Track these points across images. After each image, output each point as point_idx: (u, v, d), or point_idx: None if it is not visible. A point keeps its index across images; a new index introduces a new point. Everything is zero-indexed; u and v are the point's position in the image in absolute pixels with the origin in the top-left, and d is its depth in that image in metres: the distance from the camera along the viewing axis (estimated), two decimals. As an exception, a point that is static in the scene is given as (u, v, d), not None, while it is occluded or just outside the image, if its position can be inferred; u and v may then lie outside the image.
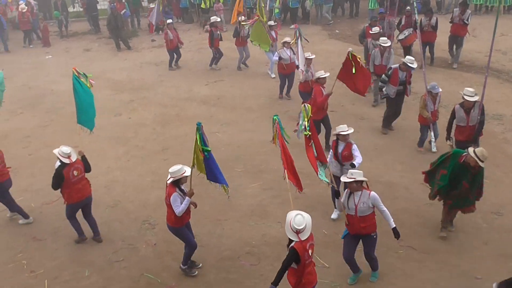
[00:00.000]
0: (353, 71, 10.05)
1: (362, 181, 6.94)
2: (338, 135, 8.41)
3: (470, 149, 7.45)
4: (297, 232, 5.88)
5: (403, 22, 15.70)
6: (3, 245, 8.45)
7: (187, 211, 7.40)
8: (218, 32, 16.52)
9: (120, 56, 19.20)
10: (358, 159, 8.32)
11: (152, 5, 21.99)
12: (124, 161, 11.08)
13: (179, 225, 7.38)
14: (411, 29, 14.99)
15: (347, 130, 8.32)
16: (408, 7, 15.62)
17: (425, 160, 10.41)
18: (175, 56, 17.19)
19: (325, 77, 10.76)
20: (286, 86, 14.01)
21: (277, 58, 13.56)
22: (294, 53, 13.23)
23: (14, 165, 10.18)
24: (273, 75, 15.58)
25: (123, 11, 20.98)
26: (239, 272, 7.69)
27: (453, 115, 9.33)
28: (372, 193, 6.98)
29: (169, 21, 17.04)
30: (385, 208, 7.00)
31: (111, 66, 17.93)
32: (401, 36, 15.19)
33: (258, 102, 13.84)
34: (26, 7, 20.72)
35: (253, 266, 7.78)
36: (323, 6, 22.24)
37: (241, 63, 16.82)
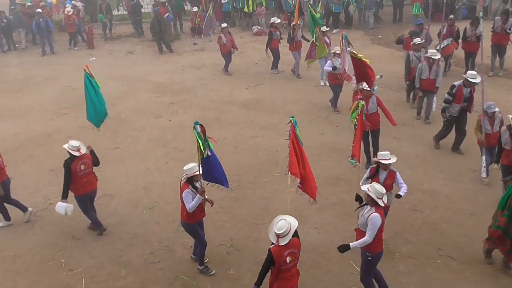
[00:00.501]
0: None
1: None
2: (378, 163, 7.72)
3: None
4: (278, 236, 5.89)
5: (444, 31, 14.75)
6: (43, 243, 8.65)
7: (201, 209, 7.48)
8: (278, 32, 16.29)
9: (162, 59, 19.51)
10: (403, 189, 7.67)
11: (195, 9, 22.32)
12: (163, 163, 11.23)
13: (191, 222, 7.48)
14: (451, 38, 14.54)
15: (389, 159, 7.60)
16: (451, 16, 15.16)
17: (467, 169, 10.21)
18: (225, 61, 17.11)
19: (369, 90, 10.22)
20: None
21: (330, 68, 12.89)
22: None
23: (56, 165, 10.49)
24: (322, 83, 15.14)
25: (166, 15, 21.31)
26: (274, 277, 7.68)
27: (499, 137, 8.89)
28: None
29: (224, 25, 17.03)
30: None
31: (153, 68, 18.24)
32: (441, 46, 14.41)
33: (297, 107, 13.80)
34: (72, 10, 21.31)
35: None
36: (367, 11, 22.04)
37: (291, 69, 16.63)
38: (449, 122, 10.84)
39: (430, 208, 9.05)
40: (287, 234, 5.90)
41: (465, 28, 14.81)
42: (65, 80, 17.24)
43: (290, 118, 7.16)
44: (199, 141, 7.04)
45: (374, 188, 6.51)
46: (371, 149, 10.35)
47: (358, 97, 9.74)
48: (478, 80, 10.31)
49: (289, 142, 7.05)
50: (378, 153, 7.82)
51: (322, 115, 13.02)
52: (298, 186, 7.26)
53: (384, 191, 6.57)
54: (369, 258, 6.65)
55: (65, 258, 8.24)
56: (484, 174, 9.70)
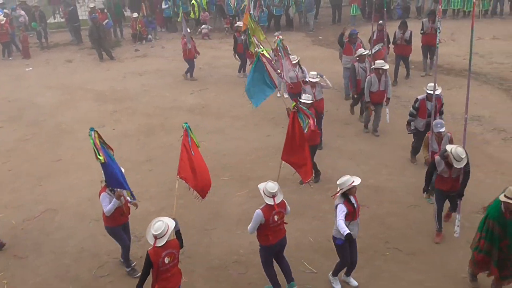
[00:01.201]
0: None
1: None
2: (346, 189, 6.87)
3: (501, 197, 6.39)
4: (155, 237, 6.05)
5: (375, 37, 14.59)
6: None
7: (121, 212, 7.52)
8: (242, 37, 16.13)
9: (103, 66, 19.12)
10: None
11: (135, 15, 21.94)
12: (109, 172, 10.98)
13: (111, 225, 7.58)
14: (381, 44, 14.27)
15: (354, 181, 6.90)
16: (381, 21, 14.72)
17: (412, 164, 10.55)
18: (189, 66, 16.91)
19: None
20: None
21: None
22: (302, 71, 12.22)
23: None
24: (285, 95, 13.36)
25: (105, 21, 20.89)
26: (228, 281, 7.68)
27: (433, 167, 7.97)
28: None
29: (188, 30, 16.87)
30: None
31: (93, 76, 17.83)
32: (372, 51, 13.88)
33: (244, 110, 13.84)
34: (5, 19, 20.46)
35: (241, 275, 7.77)
36: (306, 13, 22.40)
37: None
38: (417, 136, 10.28)
39: (376, 203, 9.29)
40: (164, 235, 6.05)
41: (395, 32, 14.90)
42: (0, 92, 16.58)
43: (184, 124, 7.24)
44: (93, 147, 7.06)
45: (265, 188, 6.86)
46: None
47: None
48: (438, 91, 9.76)
49: (181, 147, 7.14)
50: (339, 180, 6.96)
51: (267, 117, 13.13)
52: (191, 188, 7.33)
53: (276, 188, 6.87)
54: (260, 248, 7.19)
55: (8, 279, 7.91)
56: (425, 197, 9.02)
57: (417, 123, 10.20)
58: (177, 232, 6.47)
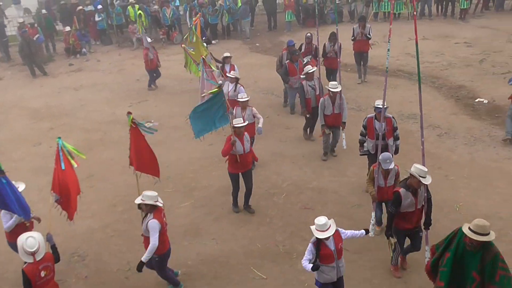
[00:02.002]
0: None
1: None
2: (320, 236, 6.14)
3: (465, 227, 5.56)
4: (33, 254, 6.07)
5: (303, 49, 14.32)
6: None
7: (24, 228, 7.29)
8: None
9: (36, 82, 18.45)
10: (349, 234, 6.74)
11: (67, 29, 21.30)
12: (46, 192, 10.53)
13: (13, 241, 7.29)
14: (310, 56, 13.95)
15: (330, 228, 6.20)
16: (309, 34, 14.52)
17: (353, 164, 10.75)
18: (155, 75, 16.58)
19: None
20: None
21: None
22: (235, 90, 11.57)
23: None
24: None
25: (36, 36, 20.19)
26: (177, 294, 7.56)
27: (398, 202, 6.97)
28: None
29: (148, 39, 16.52)
30: None
31: (26, 93, 17.18)
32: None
33: (184, 120, 13.66)
34: None
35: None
36: (242, 20, 22.53)
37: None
38: (370, 160, 9.38)
39: (321, 205, 9.42)
40: (40, 249, 6.10)
41: (324, 44, 14.31)
42: None
43: (57, 140, 7.36)
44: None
45: (145, 195, 7.04)
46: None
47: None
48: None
49: (54, 163, 7.33)
50: (314, 228, 6.20)
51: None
52: (57, 201, 7.52)
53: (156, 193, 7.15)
54: (157, 259, 7.14)
55: None
56: (372, 233, 7.96)
57: (367, 144, 9.37)
58: (53, 246, 6.71)
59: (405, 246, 7.56)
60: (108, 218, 9.41)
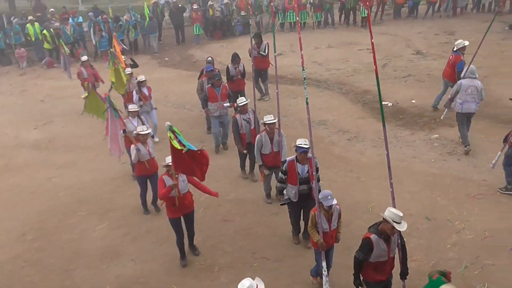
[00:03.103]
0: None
1: None
2: None
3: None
4: None
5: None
6: None
7: None
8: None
9: None
10: None
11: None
12: None
13: None
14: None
15: None
16: (210, 58, 13.67)
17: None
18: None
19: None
20: None
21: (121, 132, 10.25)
22: (142, 123, 10.43)
23: None
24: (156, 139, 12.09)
25: None
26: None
27: (368, 249, 6.13)
28: None
29: (84, 58, 15.21)
30: None
31: None
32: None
33: (95, 140, 13.19)
34: None
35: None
36: (149, 35, 22.26)
37: None
38: (291, 208, 8.34)
39: (240, 216, 9.44)
40: None
41: (227, 67, 13.52)
42: None
43: None
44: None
45: None
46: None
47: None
48: (307, 145, 7.86)
49: None
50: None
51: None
52: None
53: None
54: None
55: None
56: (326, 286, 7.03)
57: (288, 191, 8.13)
58: None
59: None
60: (17, 249, 8.87)
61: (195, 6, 22.58)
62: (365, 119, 13.40)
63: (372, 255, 6.11)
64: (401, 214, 6.00)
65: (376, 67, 6.64)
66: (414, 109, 13.54)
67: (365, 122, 13.16)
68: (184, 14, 23.69)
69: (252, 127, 10.39)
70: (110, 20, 21.79)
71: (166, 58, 21.33)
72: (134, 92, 12.37)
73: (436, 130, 12.15)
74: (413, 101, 13.98)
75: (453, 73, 12.44)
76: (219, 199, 9.80)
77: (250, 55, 13.31)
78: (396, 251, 6.38)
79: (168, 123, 7.32)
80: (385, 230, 6.05)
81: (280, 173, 8.23)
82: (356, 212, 9.15)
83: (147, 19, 21.81)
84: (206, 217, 9.41)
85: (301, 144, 7.79)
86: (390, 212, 5.99)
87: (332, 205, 6.81)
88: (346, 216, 9.06)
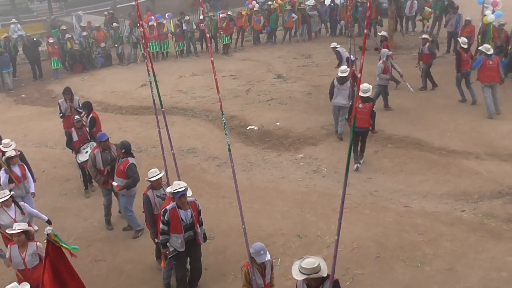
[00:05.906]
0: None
1: None
2: None
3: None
4: None
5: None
6: None
7: None
8: None
9: None
10: None
11: None
12: None
13: None
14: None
15: None
16: (76, 116, 11.50)
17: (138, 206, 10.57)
18: None
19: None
20: None
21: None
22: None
23: None
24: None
25: None
26: None
27: None
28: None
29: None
30: None
31: None
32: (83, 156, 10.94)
33: None
34: None
35: None
36: (2, 72, 20.67)
37: None
38: (177, 261, 7.59)
39: (112, 254, 9.07)
40: None
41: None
42: None
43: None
44: None
45: None
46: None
47: None
48: (190, 193, 7.64)
49: None
50: None
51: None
52: None
53: None
54: None
55: None
56: None
57: (173, 241, 7.41)
58: None
59: None
60: None
61: (50, 40, 21.50)
62: (233, 144, 13.59)
63: None
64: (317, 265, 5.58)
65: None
66: (279, 131, 14.05)
67: (233, 147, 13.26)
68: (40, 48, 22.45)
69: None
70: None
71: (23, 95, 19.97)
72: (1, 172, 9.40)
73: (301, 150, 12.70)
74: (278, 123, 14.50)
75: None
76: (88, 239, 9.39)
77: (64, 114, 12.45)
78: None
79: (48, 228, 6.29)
80: (311, 283, 5.67)
81: (161, 224, 7.36)
82: (231, 237, 9.24)
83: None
84: (75, 261, 8.85)
85: (177, 189, 7.19)
86: (306, 262, 5.60)
87: (264, 261, 6.33)
88: (222, 242, 9.18)
